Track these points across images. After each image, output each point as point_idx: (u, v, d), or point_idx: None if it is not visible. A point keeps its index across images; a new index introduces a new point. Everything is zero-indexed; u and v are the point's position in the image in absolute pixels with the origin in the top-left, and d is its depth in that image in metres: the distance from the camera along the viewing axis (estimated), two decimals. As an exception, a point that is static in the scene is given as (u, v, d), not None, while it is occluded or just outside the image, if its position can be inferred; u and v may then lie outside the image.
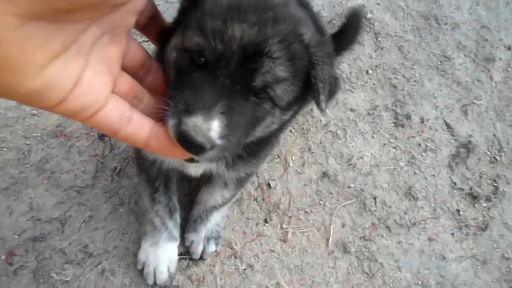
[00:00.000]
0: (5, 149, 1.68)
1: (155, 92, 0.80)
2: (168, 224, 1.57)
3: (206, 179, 1.64)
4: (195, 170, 1.34)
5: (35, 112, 1.75)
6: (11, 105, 1.74)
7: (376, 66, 2.13)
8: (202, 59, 0.86)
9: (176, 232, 1.61)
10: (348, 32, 1.80)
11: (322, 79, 0.92)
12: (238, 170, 1.33)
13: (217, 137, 0.80)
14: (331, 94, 0.98)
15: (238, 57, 0.83)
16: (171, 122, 0.77)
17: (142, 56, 0.77)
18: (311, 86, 0.93)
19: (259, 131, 0.99)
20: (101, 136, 1.74)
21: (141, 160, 1.45)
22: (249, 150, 1.20)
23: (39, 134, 1.72)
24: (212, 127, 0.79)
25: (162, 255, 1.59)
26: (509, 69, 2.19)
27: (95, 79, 0.62)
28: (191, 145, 0.77)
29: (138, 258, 1.61)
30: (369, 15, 2.22)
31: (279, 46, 0.85)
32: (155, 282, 1.59)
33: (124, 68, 0.72)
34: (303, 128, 1.95)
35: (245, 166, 1.32)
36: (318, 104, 0.93)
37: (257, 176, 1.83)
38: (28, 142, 1.70)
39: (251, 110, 0.89)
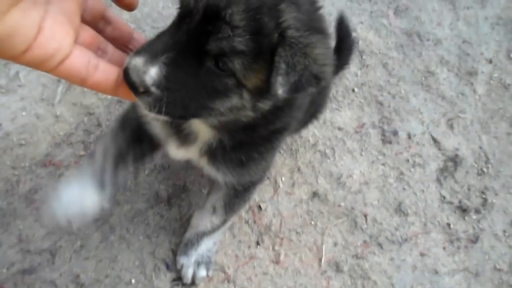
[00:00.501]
0: (-7, 180, 1.67)
1: (117, 43, 0.84)
2: (107, 169, 1.33)
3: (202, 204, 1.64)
4: (174, 152, 1.28)
5: (23, 142, 1.75)
6: (-2, 136, 1.74)
7: (361, 84, 2.16)
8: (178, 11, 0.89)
9: (109, 182, 1.33)
10: (342, 51, 1.82)
11: (287, 61, 0.83)
12: (223, 171, 1.28)
13: (151, 83, 0.81)
14: (296, 84, 0.86)
15: (199, 17, 0.83)
16: (126, 62, 0.80)
17: (100, 8, 0.80)
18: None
19: (223, 108, 0.94)
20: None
21: (128, 117, 1.36)
22: (238, 155, 1.20)
23: (27, 164, 1.72)
24: (148, 71, 0.80)
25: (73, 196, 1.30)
26: (491, 81, 2.24)
27: (56, 28, 0.65)
28: (128, 83, 0.79)
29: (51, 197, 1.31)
30: (353, 34, 2.25)
31: (242, 15, 0.82)
32: None
33: (84, 21, 0.75)
34: (291, 149, 1.97)
35: (230, 170, 1.28)
36: (271, 85, 0.85)
37: (248, 199, 1.83)
38: (16, 173, 1.70)
39: (206, 78, 0.87)
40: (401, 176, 1.99)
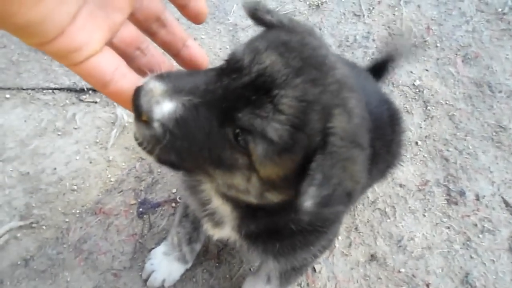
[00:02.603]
0: (44, 227, 1.64)
1: (168, 47, 0.75)
2: (183, 248, 1.53)
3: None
4: (211, 232, 1.20)
5: (75, 187, 1.72)
6: (53, 180, 1.71)
7: (426, 136, 2.02)
8: (226, 62, 0.78)
9: (190, 257, 1.57)
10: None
11: (324, 171, 0.71)
12: (264, 258, 1.18)
13: (158, 118, 0.70)
14: (327, 199, 0.73)
15: (248, 80, 0.73)
16: (144, 80, 0.71)
17: (156, 9, 0.71)
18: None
19: (221, 180, 0.82)
20: (140, 214, 1.68)
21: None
22: (279, 241, 1.07)
23: (78, 211, 1.68)
24: (161, 104, 0.70)
25: (166, 266, 1.56)
26: None
27: (89, 21, 0.61)
28: (133, 104, 0.69)
29: (148, 256, 1.61)
30: (417, 82, 2.12)
31: (293, 103, 0.71)
32: (145, 280, 1.59)
33: (136, 20, 0.69)
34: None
35: (271, 258, 1.16)
36: (300, 195, 0.71)
37: (301, 259, 1.72)
38: (67, 220, 1.66)
39: (219, 143, 0.75)
40: (468, 243, 1.82)
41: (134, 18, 0.69)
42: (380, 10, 2.29)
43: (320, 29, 2.19)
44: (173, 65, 0.78)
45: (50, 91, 1.89)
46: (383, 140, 1.39)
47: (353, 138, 0.76)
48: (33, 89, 1.89)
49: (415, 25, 2.26)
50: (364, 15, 2.26)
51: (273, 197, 0.84)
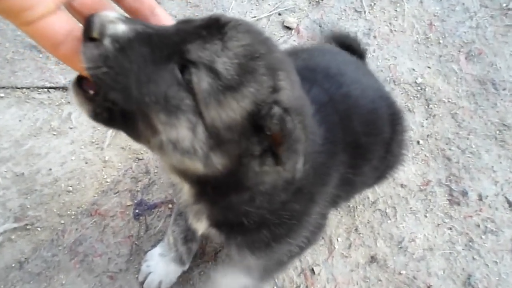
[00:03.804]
0: (39, 228, 1.62)
1: (135, 15, 0.75)
2: (179, 248, 1.50)
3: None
4: (194, 224, 1.16)
5: (70, 188, 1.69)
6: (48, 181, 1.69)
7: (427, 135, 1.98)
8: None
9: (186, 258, 1.54)
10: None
11: (294, 131, 0.76)
12: (239, 253, 1.16)
13: (110, 34, 0.69)
14: (305, 155, 0.79)
15: (202, 21, 0.77)
16: None
17: None
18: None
19: (165, 135, 0.76)
20: (137, 216, 1.66)
21: None
22: (252, 234, 1.05)
23: (73, 213, 1.66)
24: (115, 24, 0.70)
25: (163, 267, 1.53)
26: None
27: None
28: (85, 22, 0.68)
29: (145, 258, 1.58)
30: (419, 80, 2.08)
31: (242, 43, 0.75)
32: (142, 283, 1.55)
33: None
34: (349, 206, 1.81)
35: (245, 252, 1.14)
36: (282, 157, 0.78)
37: (300, 261, 1.69)
38: (62, 221, 1.64)
39: (164, 77, 0.73)
40: (470, 243, 1.79)
41: None
42: (381, 6, 2.24)
43: (320, 26, 2.15)
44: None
45: (46, 90, 1.86)
46: (378, 137, 1.35)
47: (300, 100, 0.84)
48: (28, 88, 1.86)
49: (418, 21, 2.22)
50: (365, 11, 2.22)
51: (219, 161, 0.80)
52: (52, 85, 1.88)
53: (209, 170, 0.82)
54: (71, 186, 1.69)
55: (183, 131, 0.75)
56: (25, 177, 1.69)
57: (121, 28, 0.70)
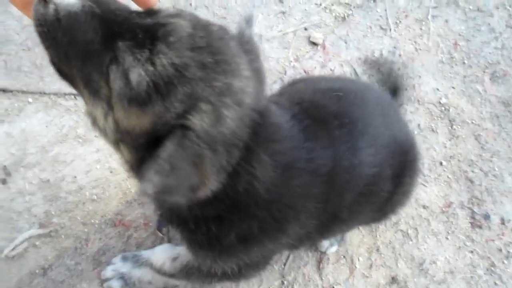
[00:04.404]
0: (63, 236, 1.63)
1: None
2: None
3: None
4: None
5: (95, 197, 1.70)
6: (73, 188, 1.70)
7: (450, 157, 1.98)
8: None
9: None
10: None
11: (172, 161, 0.72)
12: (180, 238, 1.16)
13: (57, 1, 0.72)
14: (170, 189, 0.74)
15: (149, 22, 0.76)
16: None
17: None
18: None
19: (89, 111, 0.82)
20: (159, 227, 1.66)
21: None
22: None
23: (97, 222, 1.66)
24: None
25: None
26: None
27: None
28: None
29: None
30: (443, 100, 2.08)
31: (168, 65, 0.73)
32: None
33: None
34: (371, 225, 1.81)
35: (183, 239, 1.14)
36: (143, 178, 0.73)
37: (322, 279, 1.68)
38: (86, 230, 1.65)
39: (92, 59, 0.75)
40: (492, 268, 1.78)
41: None
42: (407, 24, 2.24)
43: (346, 43, 2.15)
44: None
45: (72, 96, 1.88)
46: (385, 169, 1.25)
47: (211, 142, 0.75)
48: (55, 94, 1.87)
49: (443, 40, 2.22)
50: (390, 29, 2.22)
51: (125, 153, 0.82)
52: (79, 92, 1.89)
53: (122, 156, 0.85)
54: (95, 195, 1.70)
55: (98, 113, 0.78)
56: (51, 184, 1.70)
57: (67, 0, 0.72)
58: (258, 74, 0.89)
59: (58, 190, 1.69)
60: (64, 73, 0.81)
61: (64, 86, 1.87)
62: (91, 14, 0.73)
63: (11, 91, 1.84)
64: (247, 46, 0.90)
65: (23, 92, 1.85)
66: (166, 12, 0.79)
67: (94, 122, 0.82)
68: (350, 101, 1.26)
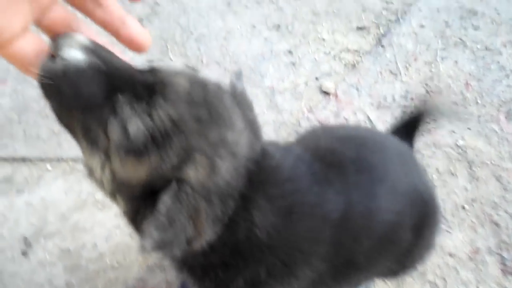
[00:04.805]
0: (85, 307, 1.60)
1: (106, 27, 0.75)
2: None
3: None
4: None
5: (116, 264, 1.68)
6: (93, 256, 1.68)
7: (472, 200, 1.94)
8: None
9: None
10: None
11: (169, 214, 0.72)
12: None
13: (64, 55, 0.70)
14: (167, 242, 0.73)
15: (149, 79, 0.78)
16: None
17: None
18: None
19: (86, 162, 0.82)
20: (182, 292, 1.63)
21: None
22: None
23: (119, 289, 1.64)
24: (75, 51, 0.71)
25: None
26: None
27: (9, 5, 0.60)
28: (53, 41, 0.70)
29: None
30: (460, 142, 2.06)
31: (165, 118, 0.73)
32: None
33: (70, 0, 0.70)
34: (396, 278, 1.76)
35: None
36: (141, 232, 0.73)
37: None
38: (108, 299, 1.62)
39: (92, 111, 0.75)
40: (527, 317, 1.70)
41: None
42: (416, 67, 2.25)
43: (358, 90, 2.16)
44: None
45: (90, 161, 1.89)
46: (405, 218, 1.20)
47: (206, 194, 0.77)
48: (73, 160, 1.89)
49: (454, 81, 2.22)
50: (401, 73, 2.23)
51: (122, 204, 0.82)
52: (96, 156, 1.91)
53: (119, 207, 0.84)
54: (116, 262, 1.68)
55: (95, 164, 0.79)
56: (71, 253, 1.69)
57: (75, 56, 0.72)
58: (251, 125, 0.91)
59: (79, 259, 1.68)
60: (64, 122, 0.82)
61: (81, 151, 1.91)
62: (97, 70, 0.75)
63: (30, 160, 1.86)
64: (240, 99, 0.93)
65: (41, 159, 1.88)
66: (166, 70, 0.82)
67: (91, 173, 0.83)
68: (369, 148, 1.25)
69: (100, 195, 1.81)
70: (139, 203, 0.79)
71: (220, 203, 0.80)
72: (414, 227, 1.26)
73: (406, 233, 1.24)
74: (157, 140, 0.73)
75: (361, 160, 1.19)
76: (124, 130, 0.73)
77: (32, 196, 1.78)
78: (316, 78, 2.20)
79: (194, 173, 0.75)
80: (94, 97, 0.75)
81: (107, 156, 0.77)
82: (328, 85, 2.15)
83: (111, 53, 0.79)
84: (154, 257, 1.70)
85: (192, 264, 1.00)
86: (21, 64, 0.68)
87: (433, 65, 2.27)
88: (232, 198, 0.83)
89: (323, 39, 2.36)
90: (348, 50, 2.30)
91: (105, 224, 1.75)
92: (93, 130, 0.76)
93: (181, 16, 2.35)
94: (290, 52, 2.27)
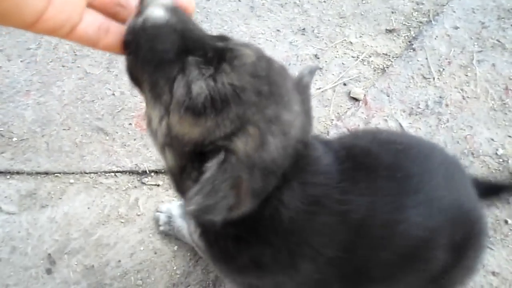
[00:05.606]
0: (109, 326, 1.56)
1: (105, 10, 0.80)
2: None
3: None
4: None
5: (140, 282, 1.63)
6: (117, 274, 1.64)
7: (515, 213, 1.81)
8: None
9: None
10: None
11: (214, 183, 0.76)
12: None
13: (146, 13, 0.79)
14: (209, 208, 0.77)
15: (221, 46, 0.83)
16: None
17: None
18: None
19: (147, 111, 0.88)
20: (208, 312, 1.57)
21: None
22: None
23: (144, 308, 1.59)
24: (157, 9, 0.79)
25: None
26: None
27: (66, 2, 0.68)
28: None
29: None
30: (500, 151, 1.93)
31: (228, 84, 0.79)
32: None
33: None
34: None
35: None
36: (186, 199, 0.77)
37: None
38: (132, 318, 1.57)
39: (164, 67, 0.82)
40: None
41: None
42: (451, 71, 2.13)
43: (388, 96, 2.06)
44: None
45: (113, 174, 1.85)
46: (441, 236, 1.11)
47: (251, 167, 0.80)
48: (95, 173, 1.85)
49: (492, 86, 2.09)
50: (434, 78, 2.11)
51: (169, 157, 0.87)
52: (119, 169, 1.87)
53: (166, 161, 0.89)
54: (141, 280, 1.63)
55: (154, 116, 0.84)
56: (95, 270, 1.65)
57: (156, 13, 0.79)
58: (307, 114, 0.94)
59: (103, 277, 1.63)
60: (134, 77, 0.88)
61: (104, 164, 1.87)
62: (173, 29, 0.80)
63: (54, 174, 1.83)
64: (302, 88, 0.97)
65: (64, 173, 1.84)
66: (237, 40, 0.87)
67: (149, 123, 0.88)
68: (409, 156, 1.19)
69: (123, 209, 1.76)
70: (186, 161, 0.84)
71: (263, 178, 0.83)
72: (454, 247, 1.16)
73: (441, 253, 1.15)
74: (216, 105, 0.77)
75: (397, 166, 1.13)
76: (188, 90, 0.78)
77: (55, 211, 1.75)
78: (344, 84, 2.10)
79: (243, 145, 0.79)
80: (166, 54, 0.81)
81: (167, 111, 0.81)
82: (357, 90, 2.05)
83: (189, 17, 0.83)
84: (181, 274, 1.64)
85: (208, 228, 1.03)
86: (88, 43, 0.75)
87: (468, 68, 2.15)
88: (274, 176, 0.86)
89: (351, 43, 2.26)
90: (377, 54, 2.20)
91: (129, 240, 1.71)
92: (160, 86, 0.82)
93: (204, 22, 2.29)
94: (316, 56, 2.19)
